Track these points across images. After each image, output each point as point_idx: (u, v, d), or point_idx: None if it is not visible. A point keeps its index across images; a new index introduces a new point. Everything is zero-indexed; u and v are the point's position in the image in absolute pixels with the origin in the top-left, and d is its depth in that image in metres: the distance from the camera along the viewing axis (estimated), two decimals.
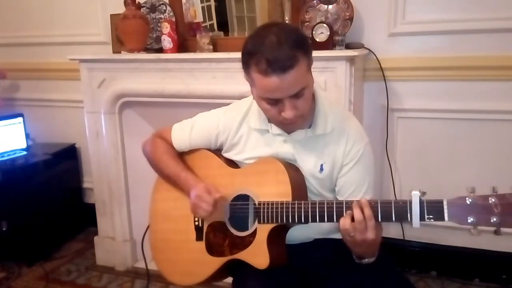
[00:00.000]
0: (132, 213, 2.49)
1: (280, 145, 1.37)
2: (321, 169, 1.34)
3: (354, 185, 1.34)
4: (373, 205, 1.15)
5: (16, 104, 3.02)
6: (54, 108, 2.94)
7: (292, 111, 1.21)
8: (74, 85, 2.57)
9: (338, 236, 1.30)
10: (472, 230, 1.05)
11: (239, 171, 1.43)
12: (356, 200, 1.18)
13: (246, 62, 1.20)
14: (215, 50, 2.20)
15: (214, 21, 2.43)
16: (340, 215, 1.18)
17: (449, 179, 2.16)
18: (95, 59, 2.33)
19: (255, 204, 1.32)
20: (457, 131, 2.14)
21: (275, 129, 1.35)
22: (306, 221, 1.23)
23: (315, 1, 2.06)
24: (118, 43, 2.39)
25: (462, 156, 2.15)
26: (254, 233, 1.32)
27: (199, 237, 1.43)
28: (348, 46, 2.03)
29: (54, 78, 2.87)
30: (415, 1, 2.07)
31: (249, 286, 1.31)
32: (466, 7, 2.00)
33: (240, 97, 1.50)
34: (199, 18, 2.39)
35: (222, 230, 1.39)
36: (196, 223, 1.44)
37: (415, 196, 1.10)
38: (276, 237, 1.31)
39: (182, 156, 1.52)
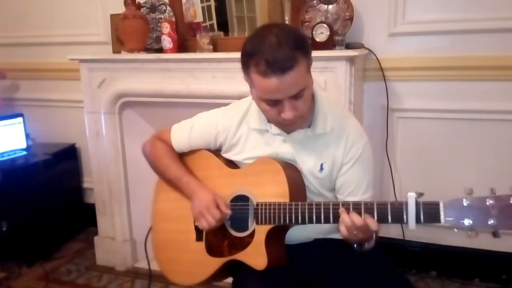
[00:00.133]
0: (132, 213, 2.49)
1: (279, 145, 1.37)
2: (321, 169, 1.34)
3: (354, 184, 1.34)
4: (369, 206, 1.14)
5: (16, 104, 3.02)
6: (54, 108, 2.94)
7: (292, 112, 1.21)
8: (74, 85, 2.57)
9: (338, 236, 1.29)
10: (469, 233, 1.03)
11: (238, 171, 1.42)
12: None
13: (246, 63, 1.20)
14: (215, 50, 2.20)
15: (214, 21, 2.43)
16: (336, 216, 1.18)
17: (449, 179, 2.16)
18: (95, 59, 2.33)
19: (254, 205, 1.32)
20: (457, 131, 2.14)
21: (274, 129, 1.35)
22: (303, 222, 1.23)
23: (315, 1, 2.06)
24: (118, 43, 2.39)
25: (462, 156, 2.15)
26: (252, 234, 1.32)
27: (199, 238, 1.43)
28: (348, 46, 2.03)
29: (54, 78, 2.87)
30: (415, 1, 2.07)
31: (249, 286, 1.31)
32: (466, 7, 2.00)
33: (240, 97, 1.50)
34: (199, 18, 2.39)
35: (221, 231, 1.39)
36: (197, 225, 1.44)
37: (411, 197, 1.09)
38: (275, 237, 1.31)
39: (181, 157, 1.52)
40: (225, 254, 1.36)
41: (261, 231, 1.29)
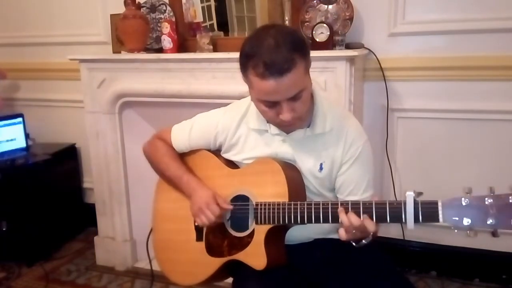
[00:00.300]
0: (132, 213, 2.49)
1: (279, 145, 1.37)
2: (321, 168, 1.34)
3: (354, 183, 1.34)
4: (367, 206, 1.14)
5: (16, 104, 3.02)
6: (54, 108, 2.94)
7: (290, 114, 1.21)
8: (74, 85, 2.57)
9: (338, 236, 1.30)
10: (468, 232, 1.03)
11: (237, 171, 1.43)
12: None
13: (244, 65, 1.20)
14: (215, 50, 2.20)
15: (214, 21, 2.43)
16: (335, 216, 1.17)
17: (449, 179, 2.16)
18: (95, 59, 2.33)
19: (253, 205, 1.32)
20: (457, 131, 2.14)
21: (273, 129, 1.35)
22: (302, 222, 1.23)
23: (315, 1, 2.06)
24: (118, 43, 2.39)
25: (462, 156, 2.15)
26: (252, 234, 1.32)
27: (199, 238, 1.44)
28: (348, 46, 2.03)
29: (54, 78, 2.87)
30: (415, 1, 2.07)
31: (249, 286, 1.31)
32: (466, 7, 2.00)
33: (240, 97, 1.50)
34: (199, 18, 2.39)
35: (221, 231, 1.39)
36: (196, 223, 1.44)
37: (409, 197, 1.08)
38: (274, 237, 1.31)
39: (182, 157, 1.52)
40: (225, 254, 1.37)
41: (260, 231, 1.29)
